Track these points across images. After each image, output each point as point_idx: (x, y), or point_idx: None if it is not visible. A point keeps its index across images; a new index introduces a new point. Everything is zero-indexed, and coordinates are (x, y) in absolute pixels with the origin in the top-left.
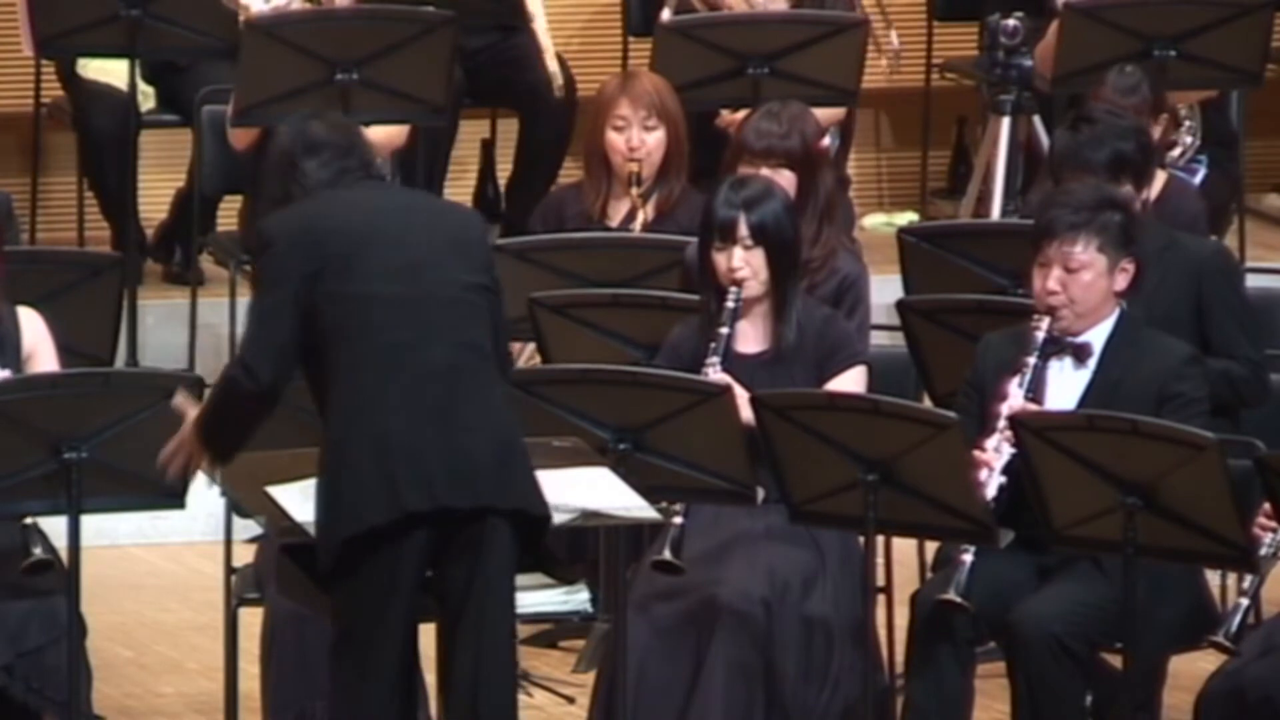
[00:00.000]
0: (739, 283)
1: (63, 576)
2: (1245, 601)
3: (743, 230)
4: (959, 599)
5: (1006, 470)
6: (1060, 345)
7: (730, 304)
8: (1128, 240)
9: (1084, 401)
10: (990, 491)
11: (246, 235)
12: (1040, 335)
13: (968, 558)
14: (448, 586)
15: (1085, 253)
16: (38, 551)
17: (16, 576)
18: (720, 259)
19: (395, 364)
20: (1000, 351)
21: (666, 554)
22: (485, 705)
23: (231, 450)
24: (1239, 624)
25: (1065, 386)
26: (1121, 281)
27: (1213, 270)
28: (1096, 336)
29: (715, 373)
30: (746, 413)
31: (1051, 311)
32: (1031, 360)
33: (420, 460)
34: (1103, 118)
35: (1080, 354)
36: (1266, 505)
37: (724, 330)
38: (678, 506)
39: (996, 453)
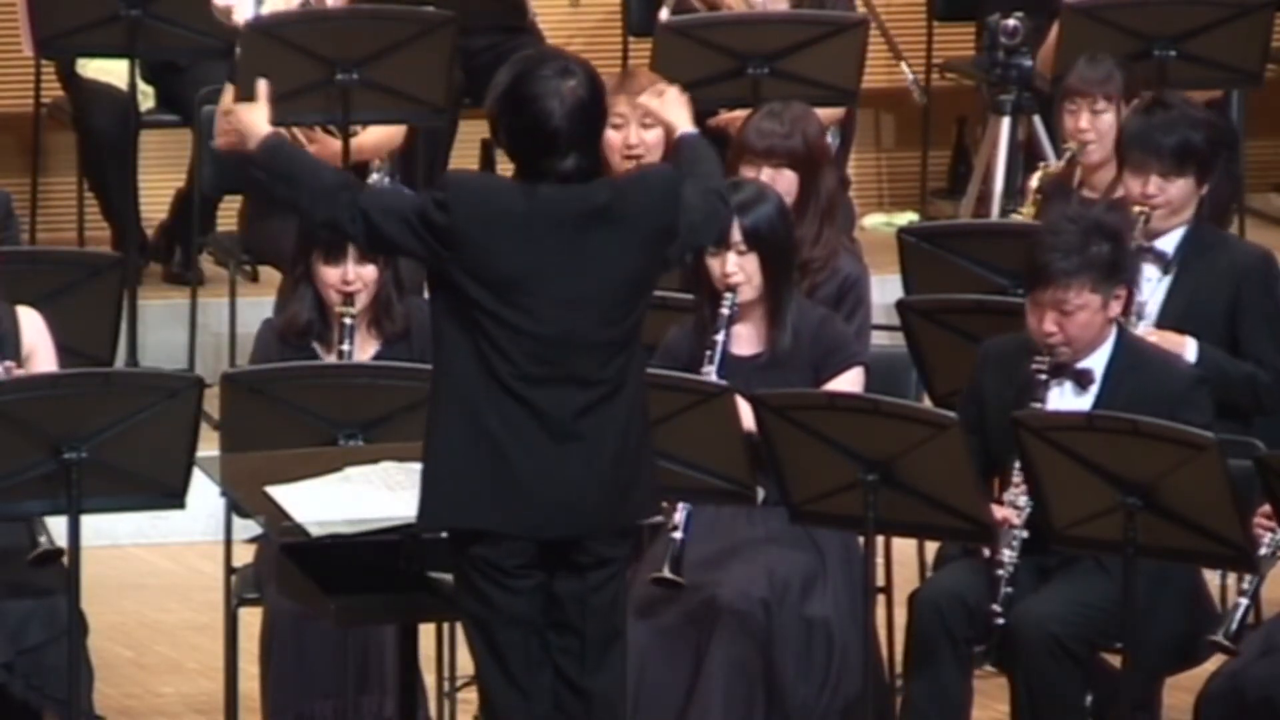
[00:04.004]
0: (733, 288)
1: (63, 575)
2: (1245, 601)
3: (736, 235)
4: (994, 669)
5: (1029, 523)
6: (1061, 370)
7: (725, 310)
8: (1118, 269)
9: None
10: (1009, 555)
11: (246, 235)
12: (1043, 377)
13: (1000, 620)
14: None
15: (1079, 297)
16: (43, 541)
17: (18, 575)
18: (714, 264)
19: (518, 398)
20: (999, 363)
21: (666, 571)
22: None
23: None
24: (1239, 623)
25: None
26: (1115, 309)
27: (1255, 276)
28: (1096, 362)
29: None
30: (749, 422)
31: (1050, 350)
32: (1038, 407)
33: (531, 495)
34: (1178, 105)
35: (1082, 380)
36: (1266, 506)
37: (719, 337)
38: (676, 518)
39: (1015, 508)
